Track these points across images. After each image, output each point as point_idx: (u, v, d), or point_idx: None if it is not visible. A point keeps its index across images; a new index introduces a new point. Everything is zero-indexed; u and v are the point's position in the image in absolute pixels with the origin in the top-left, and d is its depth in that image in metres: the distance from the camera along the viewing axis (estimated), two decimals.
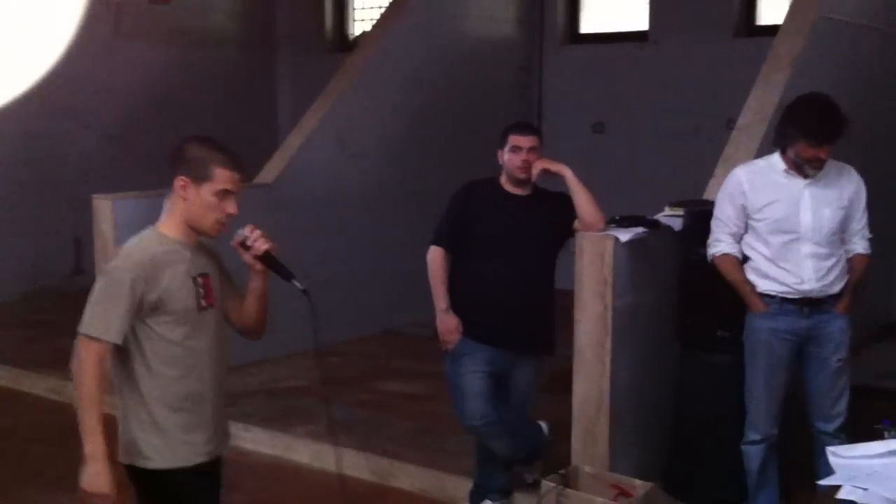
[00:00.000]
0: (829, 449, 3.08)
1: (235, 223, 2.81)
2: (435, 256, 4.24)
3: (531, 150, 4.13)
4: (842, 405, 3.98)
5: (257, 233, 2.82)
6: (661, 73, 8.35)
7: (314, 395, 6.00)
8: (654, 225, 4.40)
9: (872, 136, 6.35)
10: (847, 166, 3.97)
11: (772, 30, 6.75)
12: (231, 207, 2.74)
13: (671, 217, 4.56)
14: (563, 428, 4.41)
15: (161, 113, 9.30)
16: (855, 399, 4.12)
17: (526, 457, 4.41)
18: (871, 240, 4.00)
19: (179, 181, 2.71)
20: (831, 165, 3.88)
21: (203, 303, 2.75)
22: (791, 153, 3.81)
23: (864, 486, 2.77)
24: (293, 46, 10.61)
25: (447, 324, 4.18)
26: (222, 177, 2.71)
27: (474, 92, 8.27)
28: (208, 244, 2.86)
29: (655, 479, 4.18)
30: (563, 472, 4.13)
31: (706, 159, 5.21)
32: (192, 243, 2.78)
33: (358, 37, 10.36)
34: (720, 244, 3.98)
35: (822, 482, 2.91)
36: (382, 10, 8.84)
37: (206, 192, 2.71)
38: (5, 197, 8.55)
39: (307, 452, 5.16)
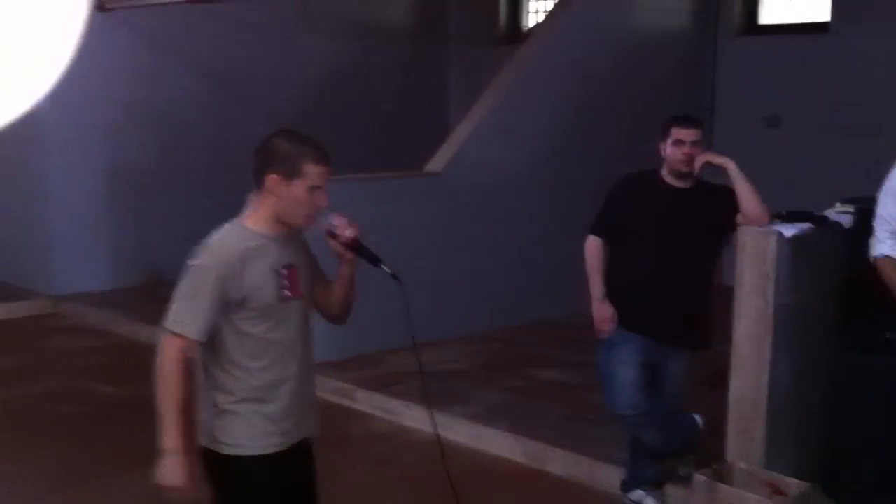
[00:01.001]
0: None
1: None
2: (591, 246, 4.29)
3: (694, 143, 4.12)
4: None
5: (345, 221, 2.84)
6: (841, 66, 8.03)
7: (470, 378, 6.16)
8: (821, 221, 4.28)
9: None
10: None
11: None
12: (321, 200, 2.76)
13: (841, 214, 4.42)
14: (716, 423, 4.37)
15: (334, 102, 9.69)
16: None
17: (677, 449, 4.39)
18: None
19: (271, 179, 2.73)
20: None
21: (286, 293, 2.77)
22: None
23: None
24: (466, 38, 10.80)
25: (602, 313, 4.23)
26: (313, 173, 2.73)
27: (644, 84, 8.20)
28: (298, 236, 2.89)
29: (810, 479, 4.09)
30: (716, 466, 4.11)
31: (884, 156, 5.02)
32: (280, 236, 2.80)
33: (530, 29, 10.44)
34: (881, 245, 3.83)
35: None
36: (555, 2, 8.88)
37: (298, 188, 2.72)
38: (199, 181, 9.12)
39: (463, 432, 5.30)
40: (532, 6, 10.72)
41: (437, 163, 7.32)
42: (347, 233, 2.84)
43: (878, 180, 4.75)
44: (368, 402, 5.91)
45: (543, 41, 7.82)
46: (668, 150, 4.15)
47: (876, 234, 3.87)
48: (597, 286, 4.26)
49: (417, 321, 6.65)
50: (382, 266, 2.91)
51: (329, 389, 5.88)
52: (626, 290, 4.21)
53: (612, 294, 4.23)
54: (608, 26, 8.03)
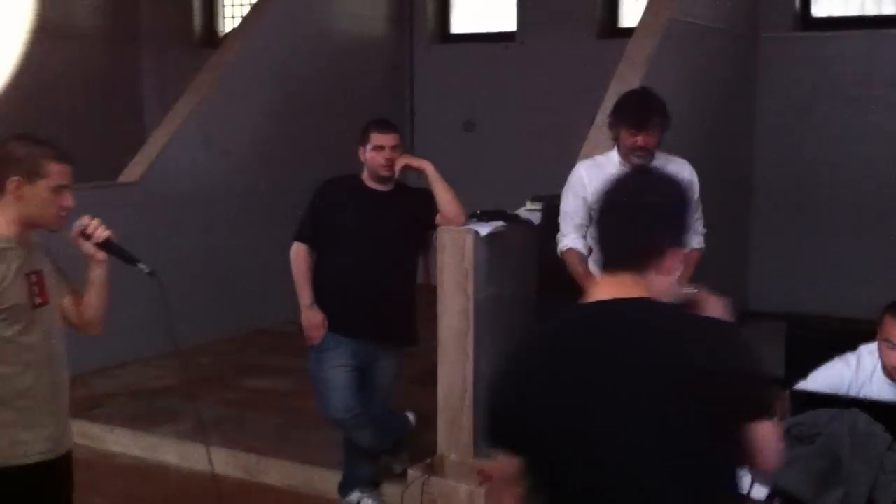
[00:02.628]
0: None
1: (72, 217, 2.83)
2: (297, 253, 4.29)
3: (393, 147, 4.22)
4: None
5: (96, 221, 2.83)
6: (528, 73, 8.54)
7: (179, 395, 5.93)
8: (513, 219, 4.54)
9: (719, 132, 6.67)
10: (680, 160, 4.16)
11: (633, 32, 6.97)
12: (67, 200, 2.76)
13: (531, 211, 4.70)
14: (430, 419, 4.51)
15: (20, 109, 8.97)
16: None
17: (392, 447, 4.49)
18: (705, 234, 4.19)
19: (12, 182, 2.69)
20: (665, 159, 4.07)
21: (37, 300, 2.75)
22: (620, 144, 4.01)
23: None
24: (159, 42, 10.38)
25: (312, 319, 4.24)
26: (56, 171, 2.73)
27: (345, 89, 8.28)
28: (40, 244, 2.87)
29: None
30: (429, 461, 4.23)
31: (570, 156, 5.40)
32: (26, 241, 2.77)
33: (227, 33, 10.22)
34: (566, 238, 4.12)
35: None
36: (251, 5, 8.76)
37: (42, 188, 2.71)
38: None
39: (174, 452, 5.10)
40: (228, 11, 10.51)
41: (132, 172, 6.98)
42: (100, 232, 2.81)
43: (562, 178, 5.10)
44: None
45: (241, 45, 7.69)
46: (369, 154, 4.22)
47: (561, 229, 4.15)
48: (305, 293, 4.26)
49: (121, 339, 6.30)
50: (140, 265, 2.86)
51: None
52: (334, 294, 4.24)
53: (321, 299, 4.24)
54: (306, 31, 8.04)
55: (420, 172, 4.29)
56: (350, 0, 8.60)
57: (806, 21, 7.66)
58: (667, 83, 5.23)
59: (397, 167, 4.22)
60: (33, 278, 2.74)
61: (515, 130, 8.63)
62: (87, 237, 2.82)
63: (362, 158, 4.25)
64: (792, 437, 2.86)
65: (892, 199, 7.16)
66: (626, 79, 5.38)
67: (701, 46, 6.34)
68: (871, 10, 7.57)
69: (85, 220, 2.83)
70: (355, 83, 8.49)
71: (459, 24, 9.38)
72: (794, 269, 7.52)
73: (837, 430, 2.72)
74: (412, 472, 4.10)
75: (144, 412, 5.59)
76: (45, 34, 9.49)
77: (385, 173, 4.21)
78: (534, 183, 5.96)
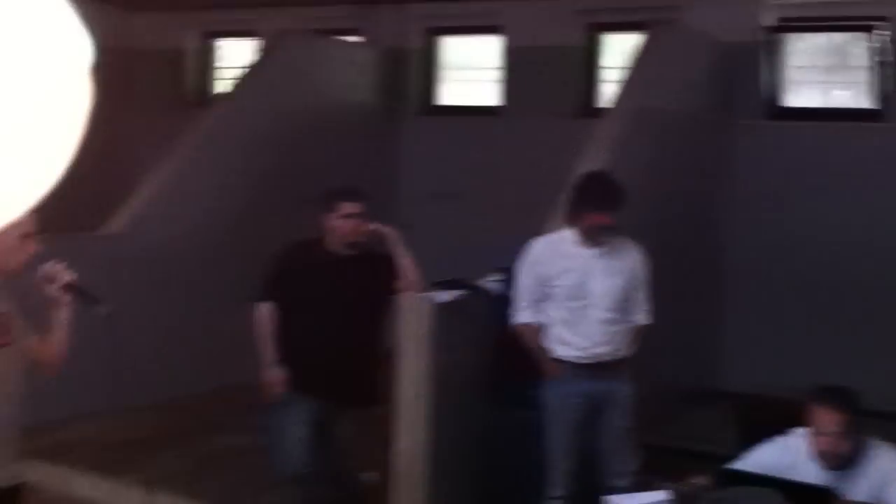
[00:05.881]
0: (606, 498, 3.39)
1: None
2: (263, 313, 4.41)
3: (360, 215, 4.37)
4: (630, 463, 4.26)
5: (59, 266, 2.92)
6: (509, 147, 8.75)
7: (147, 446, 5.99)
8: (472, 288, 4.68)
9: (688, 214, 6.85)
10: (629, 241, 4.35)
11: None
12: (32, 247, 2.80)
13: (492, 282, 4.85)
14: (386, 479, 4.57)
15: None
16: (671, 458, 4.45)
17: None
18: (649, 311, 4.36)
19: None
20: (617, 240, 4.25)
21: None
22: (583, 224, 4.17)
23: None
24: (154, 100, 10.58)
25: (274, 377, 4.34)
26: (24, 220, 2.67)
27: (330, 156, 8.43)
28: (4, 285, 2.90)
29: None
30: None
31: (543, 230, 5.56)
32: None
33: (216, 94, 10.43)
34: (521, 313, 4.28)
35: None
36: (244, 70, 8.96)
37: (10, 237, 2.72)
38: None
39: (136, 499, 5.16)
40: (224, 73, 10.73)
41: (114, 225, 7.11)
42: (63, 276, 2.89)
43: None
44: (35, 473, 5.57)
45: (227, 107, 7.86)
46: (337, 222, 4.35)
47: (517, 303, 4.30)
48: (269, 352, 4.37)
49: (93, 391, 6.30)
50: (100, 307, 2.96)
51: None
52: (296, 353, 4.35)
53: (284, 359, 4.35)
54: (294, 97, 8.17)
55: (384, 238, 4.43)
56: (339, 69, 8.80)
57: (774, 110, 7.91)
58: (630, 163, 5.43)
59: (363, 233, 4.37)
60: None
61: (494, 202, 8.79)
62: (51, 281, 2.91)
63: (328, 224, 4.39)
64: None
65: (853, 289, 7.31)
66: (594, 158, 5.58)
67: (669, 131, 6.55)
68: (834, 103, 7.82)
69: (48, 264, 2.91)
70: (343, 150, 8.64)
71: (445, 97, 9.63)
72: (762, 352, 7.62)
73: None
74: None
75: (110, 460, 5.65)
76: None
77: (353, 240, 4.36)
78: (510, 254, 6.10)
